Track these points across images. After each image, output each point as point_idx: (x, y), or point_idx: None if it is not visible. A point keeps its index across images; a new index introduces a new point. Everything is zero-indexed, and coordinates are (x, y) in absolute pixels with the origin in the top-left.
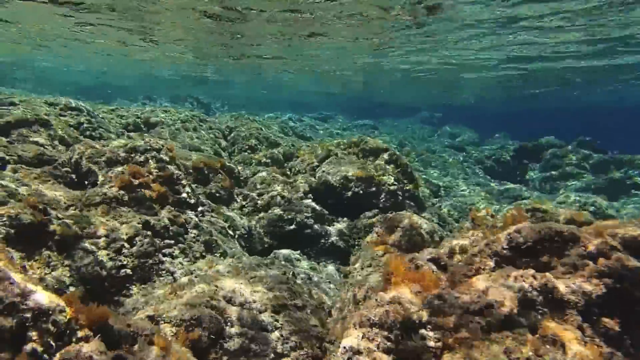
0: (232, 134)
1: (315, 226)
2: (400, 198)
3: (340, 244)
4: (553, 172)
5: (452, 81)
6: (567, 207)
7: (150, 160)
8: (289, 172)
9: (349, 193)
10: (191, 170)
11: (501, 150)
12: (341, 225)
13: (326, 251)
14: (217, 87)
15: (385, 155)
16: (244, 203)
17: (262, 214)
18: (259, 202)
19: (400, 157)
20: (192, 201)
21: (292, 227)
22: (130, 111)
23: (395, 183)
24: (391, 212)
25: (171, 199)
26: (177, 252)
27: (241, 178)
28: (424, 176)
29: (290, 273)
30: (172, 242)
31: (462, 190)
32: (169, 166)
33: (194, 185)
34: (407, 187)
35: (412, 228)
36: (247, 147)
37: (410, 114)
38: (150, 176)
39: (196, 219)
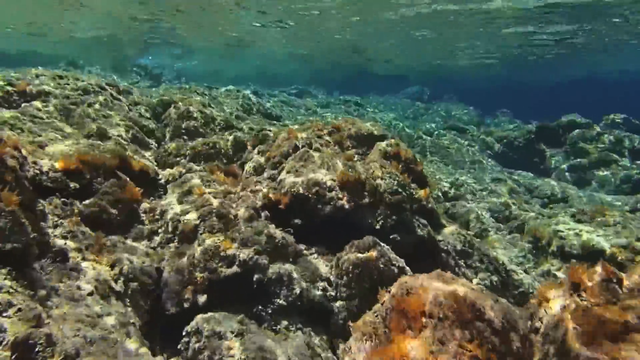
0: (165, 113)
1: (273, 267)
2: (407, 214)
3: (314, 294)
4: (581, 160)
5: (450, 38)
6: None
7: None
8: (238, 172)
9: (328, 208)
10: (56, 176)
11: (514, 131)
12: (317, 262)
13: (291, 309)
14: (172, 55)
15: (383, 146)
16: (155, 227)
17: (183, 247)
18: (180, 225)
19: (404, 149)
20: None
21: (233, 269)
22: None
23: (399, 190)
24: (395, 236)
25: None
26: None
27: (161, 182)
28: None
29: None
30: None
31: (477, 189)
32: None
33: (53, 204)
34: (417, 196)
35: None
36: (182, 131)
37: (397, 86)
38: None
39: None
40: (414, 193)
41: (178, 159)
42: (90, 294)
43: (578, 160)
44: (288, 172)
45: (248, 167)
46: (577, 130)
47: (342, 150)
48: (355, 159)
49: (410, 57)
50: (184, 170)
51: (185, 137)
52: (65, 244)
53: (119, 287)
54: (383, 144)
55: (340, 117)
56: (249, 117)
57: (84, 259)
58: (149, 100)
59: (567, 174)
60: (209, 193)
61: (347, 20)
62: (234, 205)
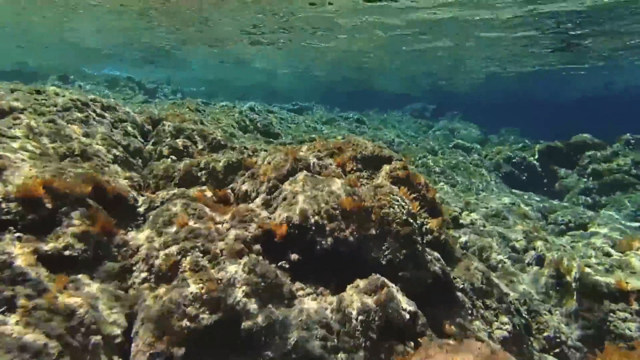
0: (154, 131)
1: (264, 312)
2: (419, 247)
3: (312, 345)
4: (595, 182)
5: (458, 55)
6: None
7: None
8: (230, 197)
9: (329, 241)
10: (10, 206)
11: (522, 151)
12: (315, 304)
13: None
14: (170, 69)
15: (391, 169)
16: (128, 264)
17: (159, 289)
18: (157, 262)
19: (414, 172)
20: None
21: (218, 316)
22: None
23: (409, 220)
24: (404, 273)
25: None
26: None
27: (140, 210)
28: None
29: None
30: None
31: (489, 214)
32: None
33: (4, 241)
34: (429, 226)
35: None
36: (170, 150)
37: (399, 104)
38: None
39: None
40: (425, 223)
41: (164, 182)
42: (37, 354)
43: (592, 182)
44: (284, 199)
45: (240, 191)
46: (591, 151)
47: (345, 174)
48: (360, 183)
49: (414, 73)
50: (167, 195)
51: (173, 158)
52: (14, 290)
53: (76, 342)
54: (391, 166)
55: (342, 135)
56: (245, 135)
57: (35, 308)
58: (136, 117)
59: (580, 197)
60: (194, 223)
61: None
62: (222, 238)
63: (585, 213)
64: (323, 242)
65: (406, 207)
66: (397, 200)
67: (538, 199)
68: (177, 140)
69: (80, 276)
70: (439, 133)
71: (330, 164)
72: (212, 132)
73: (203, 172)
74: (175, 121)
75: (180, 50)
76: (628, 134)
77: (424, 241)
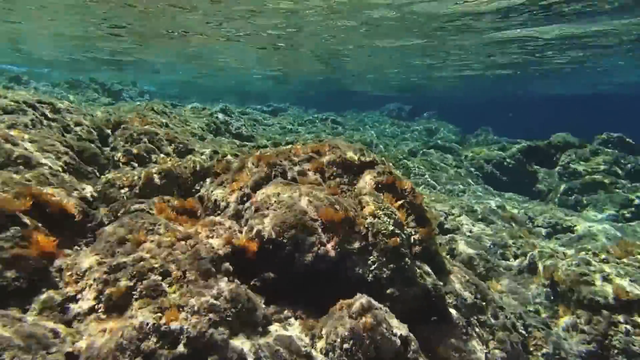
0: (114, 135)
1: (234, 343)
2: (407, 261)
3: None
4: (576, 182)
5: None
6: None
7: None
8: (197, 207)
9: (308, 257)
10: None
11: (503, 151)
12: (293, 330)
13: None
14: (135, 71)
15: (374, 175)
16: (72, 291)
17: (108, 320)
18: (106, 289)
19: (399, 178)
20: None
21: (178, 351)
22: None
23: (396, 230)
24: (392, 291)
25: None
26: None
27: (91, 226)
28: None
29: None
30: None
31: (475, 217)
32: None
33: None
34: (418, 236)
35: None
36: (131, 156)
37: (375, 104)
38: None
39: None
40: (413, 233)
41: (123, 191)
42: None
43: (573, 182)
44: (257, 210)
45: (209, 200)
46: (570, 149)
47: (324, 180)
48: (341, 190)
49: (390, 72)
50: (124, 208)
51: (134, 164)
52: None
53: None
54: (374, 172)
55: (320, 137)
56: (216, 139)
57: None
58: (94, 120)
59: (562, 197)
60: (152, 241)
61: (325, 28)
62: (185, 257)
63: (571, 214)
64: (301, 259)
65: (393, 216)
66: (383, 209)
67: (521, 199)
68: (139, 145)
69: (10, 311)
70: (416, 134)
71: (308, 170)
72: (178, 135)
73: (167, 180)
74: (138, 124)
75: (146, 50)
76: (605, 133)
77: (413, 253)
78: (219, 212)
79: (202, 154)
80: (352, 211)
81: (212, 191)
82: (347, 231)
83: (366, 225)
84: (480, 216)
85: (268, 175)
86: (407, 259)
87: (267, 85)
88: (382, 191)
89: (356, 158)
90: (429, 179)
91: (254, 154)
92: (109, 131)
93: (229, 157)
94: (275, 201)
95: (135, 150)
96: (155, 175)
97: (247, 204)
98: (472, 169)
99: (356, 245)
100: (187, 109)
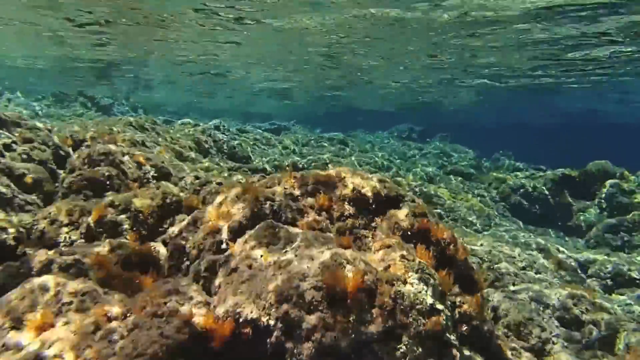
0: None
1: None
2: (455, 353)
3: None
4: (622, 219)
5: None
6: None
7: None
8: (156, 258)
9: (306, 349)
10: None
11: (532, 180)
12: None
13: None
14: (130, 85)
15: (401, 217)
16: None
17: None
18: None
19: (434, 221)
20: None
21: None
22: None
23: (436, 305)
24: None
25: None
26: None
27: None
28: None
29: None
30: None
31: (516, 265)
32: None
33: None
34: (465, 309)
35: None
36: (84, 183)
37: (384, 123)
38: None
39: None
40: (458, 303)
41: (65, 230)
42: None
43: (619, 219)
44: (234, 271)
45: (175, 246)
46: (612, 180)
47: (332, 222)
48: (355, 237)
49: (401, 91)
50: (46, 258)
51: (88, 193)
52: None
53: None
54: (401, 212)
55: (324, 158)
56: (204, 160)
57: None
58: (53, 137)
59: (606, 235)
60: (64, 324)
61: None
62: (114, 351)
63: (631, 262)
64: (296, 351)
65: (431, 281)
66: (417, 270)
67: (555, 237)
68: (98, 169)
69: None
70: (430, 157)
71: (310, 208)
72: (153, 157)
73: (125, 215)
74: (103, 141)
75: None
76: None
77: (462, 335)
78: (187, 262)
79: (180, 179)
80: (371, 274)
81: (179, 233)
82: (364, 305)
83: (393, 296)
84: (522, 262)
85: (255, 215)
86: (453, 350)
87: (271, 104)
88: (413, 240)
89: (376, 192)
90: (448, 210)
91: (240, 183)
92: (69, 149)
93: (210, 186)
94: (260, 257)
95: (91, 175)
96: (109, 209)
97: (222, 258)
98: (498, 199)
99: (378, 327)
100: (176, 125)
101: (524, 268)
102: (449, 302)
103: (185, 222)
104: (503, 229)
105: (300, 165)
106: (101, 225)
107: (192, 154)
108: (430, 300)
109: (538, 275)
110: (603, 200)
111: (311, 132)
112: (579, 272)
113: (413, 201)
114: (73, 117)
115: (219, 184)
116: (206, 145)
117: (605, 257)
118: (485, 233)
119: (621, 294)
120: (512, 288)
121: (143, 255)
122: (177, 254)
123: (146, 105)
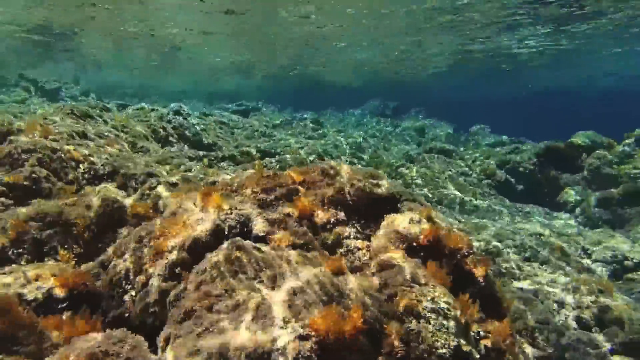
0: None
1: None
2: None
3: None
4: (610, 192)
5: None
6: None
7: None
8: (95, 274)
9: None
10: None
11: (516, 154)
12: None
13: None
14: (77, 66)
15: (404, 226)
16: None
17: None
18: None
19: (444, 228)
20: None
21: None
22: None
23: (461, 342)
24: None
25: None
26: None
27: None
28: None
29: None
30: None
31: (519, 252)
32: None
33: None
34: (493, 342)
35: None
36: (2, 187)
37: (356, 99)
38: None
39: None
40: (483, 335)
41: None
42: None
43: (609, 192)
44: (186, 316)
45: (114, 273)
46: (599, 151)
47: (317, 232)
48: (347, 250)
49: (372, 64)
50: None
51: (7, 202)
52: None
53: None
54: (403, 219)
55: (300, 142)
56: (162, 150)
57: None
58: None
59: (596, 210)
60: None
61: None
62: None
63: (636, 242)
64: None
65: (449, 313)
66: (432, 300)
67: (543, 214)
68: (20, 171)
69: None
70: (407, 134)
71: (288, 216)
72: (92, 152)
73: (52, 230)
74: (30, 133)
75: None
76: (638, 129)
77: None
78: (132, 292)
79: (129, 178)
80: (372, 309)
81: (121, 254)
82: (366, 354)
83: (404, 337)
84: (527, 251)
85: (218, 231)
86: None
87: (236, 81)
88: (421, 254)
89: (368, 190)
90: (434, 190)
91: (200, 187)
92: None
93: (159, 188)
94: (221, 296)
95: (10, 179)
96: (31, 223)
97: (173, 296)
98: (483, 176)
99: None
100: (130, 111)
101: (528, 258)
102: (473, 341)
103: (131, 238)
104: (491, 210)
105: (273, 151)
106: (19, 246)
107: (148, 144)
108: (453, 341)
109: (545, 266)
110: (590, 173)
111: (281, 112)
112: (582, 256)
113: (414, 200)
114: (12, 105)
115: (174, 184)
116: (164, 133)
117: (608, 240)
118: (479, 219)
119: (630, 279)
120: (518, 284)
121: (71, 284)
122: (116, 281)
123: (102, 89)
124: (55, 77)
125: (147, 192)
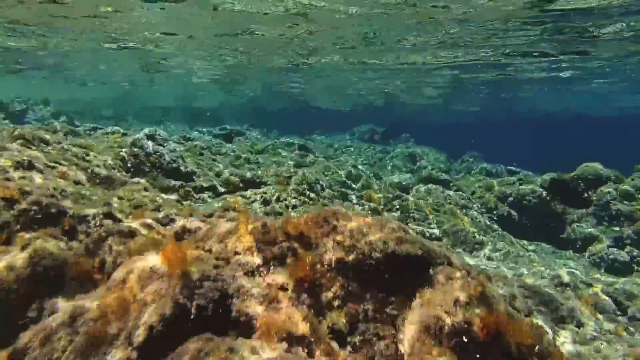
0: None
1: None
2: None
3: None
4: (626, 230)
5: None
6: None
7: None
8: None
9: None
10: None
11: (520, 186)
12: None
13: None
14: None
15: (442, 308)
16: None
17: None
18: None
19: (504, 313)
20: None
21: None
22: None
23: None
24: None
25: None
26: None
27: None
28: None
29: None
30: None
31: (554, 312)
32: None
33: None
34: None
35: None
36: None
37: (344, 123)
38: None
39: None
40: None
41: None
42: None
43: (624, 229)
44: None
45: None
46: (609, 185)
47: (321, 311)
48: (361, 341)
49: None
50: None
51: None
52: None
53: None
54: (443, 299)
55: (290, 171)
56: (130, 181)
57: None
58: None
59: (611, 250)
60: None
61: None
62: None
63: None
64: None
65: None
66: None
67: (552, 252)
68: None
69: None
70: (397, 161)
71: (282, 289)
72: (33, 189)
73: None
74: None
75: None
76: None
77: None
78: None
79: (81, 220)
80: None
81: (44, 344)
82: None
83: None
84: (563, 311)
85: (181, 312)
86: None
87: (218, 98)
88: (475, 356)
89: (390, 251)
90: (435, 229)
91: (159, 243)
92: None
93: (110, 240)
94: None
95: None
96: None
97: None
98: (484, 209)
99: None
100: (98, 135)
101: (563, 319)
102: None
103: (56, 322)
104: (497, 249)
105: (258, 181)
106: None
107: (114, 175)
108: None
109: (582, 329)
110: (598, 209)
111: (267, 136)
112: (618, 313)
113: (450, 264)
114: None
115: (132, 232)
116: (135, 161)
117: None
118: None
119: None
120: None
121: None
122: None
123: (77, 110)
124: (20, 98)
125: (95, 242)
